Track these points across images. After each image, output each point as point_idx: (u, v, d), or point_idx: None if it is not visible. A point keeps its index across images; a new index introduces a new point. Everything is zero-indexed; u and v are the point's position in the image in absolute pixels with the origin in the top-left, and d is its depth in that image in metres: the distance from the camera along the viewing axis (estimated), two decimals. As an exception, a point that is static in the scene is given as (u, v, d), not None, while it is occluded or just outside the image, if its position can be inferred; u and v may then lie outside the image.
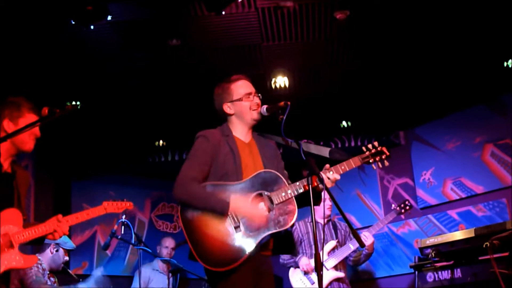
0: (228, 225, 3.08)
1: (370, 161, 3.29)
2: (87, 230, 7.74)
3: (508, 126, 6.50)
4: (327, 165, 3.23)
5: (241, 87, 3.38)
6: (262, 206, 3.16)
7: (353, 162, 3.25)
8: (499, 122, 6.64)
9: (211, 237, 3.06)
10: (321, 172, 3.08)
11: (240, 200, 3.11)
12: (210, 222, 3.09)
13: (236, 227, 3.07)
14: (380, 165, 3.31)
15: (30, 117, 3.30)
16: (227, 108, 3.38)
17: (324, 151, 3.38)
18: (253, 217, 3.08)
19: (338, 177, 3.19)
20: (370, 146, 3.32)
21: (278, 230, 3.10)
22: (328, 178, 3.16)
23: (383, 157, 3.30)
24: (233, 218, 3.09)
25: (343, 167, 3.23)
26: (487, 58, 5.99)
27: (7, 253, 3.10)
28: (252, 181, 3.18)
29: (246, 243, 3.05)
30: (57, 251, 5.26)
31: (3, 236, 3.10)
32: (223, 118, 3.45)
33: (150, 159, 7.79)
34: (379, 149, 3.31)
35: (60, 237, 3.33)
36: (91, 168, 7.76)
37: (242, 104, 3.34)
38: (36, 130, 3.29)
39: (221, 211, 3.06)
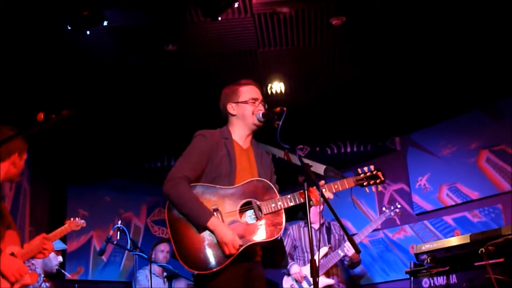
0: None
1: (364, 183, 3.31)
2: (82, 236, 7.72)
3: (504, 132, 6.51)
4: (322, 182, 3.24)
5: (249, 92, 3.44)
6: (250, 214, 3.15)
7: (347, 183, 3.27)
8: (495, 128, 6.64)
9: (194, 239, 3.04)
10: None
11: (220, 223, 3.05)
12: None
13: None
14: (374, 189, 3.33)
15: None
16: (231, 108, 3.41)
17: (319, 168, 3.39)
18: (223, 243, 3.00)
19: (331, 196, 3.21)
20: (365, 169, 3.34)
21: (263, 240, 3.09)
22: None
23: (377, 181, 3.32)
24: None
25: (336, 186, 3.25)
26: (483, 64, 6.00)
27: None
28: (243, 187, 3.18)
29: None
30: None
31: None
32: (225, 118, 3.48)
33: (146, 164, 7.77)
34: (374, 173, 3.33)
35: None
36: (87, 174, 7.75)
37: (246, 107, 3.39)
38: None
39: (200, 222, 3.03)
